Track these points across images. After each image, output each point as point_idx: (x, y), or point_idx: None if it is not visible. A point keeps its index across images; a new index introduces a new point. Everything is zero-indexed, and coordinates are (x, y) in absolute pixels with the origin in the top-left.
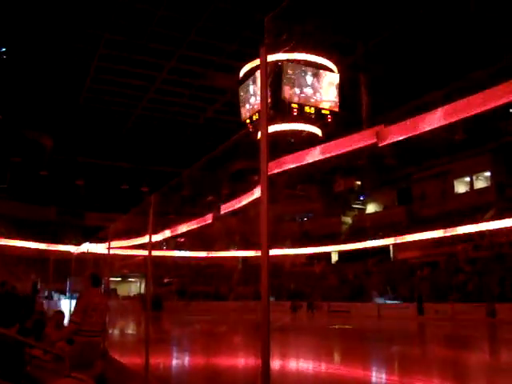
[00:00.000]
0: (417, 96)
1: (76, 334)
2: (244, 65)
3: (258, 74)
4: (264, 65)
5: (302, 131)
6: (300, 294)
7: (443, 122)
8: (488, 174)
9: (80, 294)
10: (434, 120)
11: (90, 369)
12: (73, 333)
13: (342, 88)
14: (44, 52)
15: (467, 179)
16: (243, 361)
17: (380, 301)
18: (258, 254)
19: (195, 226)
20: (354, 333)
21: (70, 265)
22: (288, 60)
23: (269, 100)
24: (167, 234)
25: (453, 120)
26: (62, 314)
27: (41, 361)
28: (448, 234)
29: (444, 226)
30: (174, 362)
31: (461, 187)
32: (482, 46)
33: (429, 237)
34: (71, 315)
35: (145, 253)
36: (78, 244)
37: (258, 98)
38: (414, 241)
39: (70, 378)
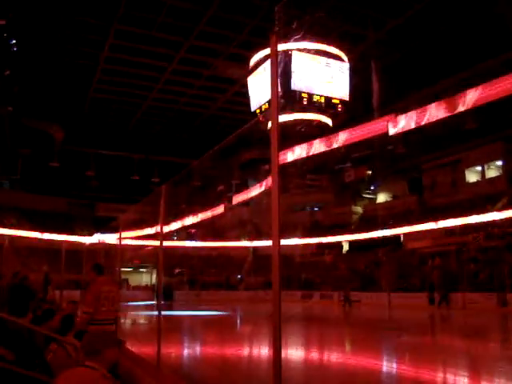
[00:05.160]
0: (428, 84)
1: (89, 324)
2: (254, 54)
3: (267, 63)
4: (274, 53)
5: (312, 121)
6: (310, 283)
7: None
8: (500, 162)
9: (88, 284)
10: (445, 109)
11: (104, 357)
12: (85, 323)
13: (353, 77)
14: (54, 43)
15: (478, 168)
16: (255, 351)
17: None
18: (270, 243)
19: (207, 216)
20: (364, 322)
21: (82, 255)
22: (298, 49)
23: (279, 90)
24: (178, 224)
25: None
26: (75, 304)
27: (56, 349)
28: (459, 224)
29: (455, 216)
30: (186, 351)
31: (472, 176)
32: (491, 36)
33: (440, 226)
34: (82, 305)
35: (156, 243)
36: (90, 235)
37: (268, 87)
38: (425, 230)
39: (84, 366)
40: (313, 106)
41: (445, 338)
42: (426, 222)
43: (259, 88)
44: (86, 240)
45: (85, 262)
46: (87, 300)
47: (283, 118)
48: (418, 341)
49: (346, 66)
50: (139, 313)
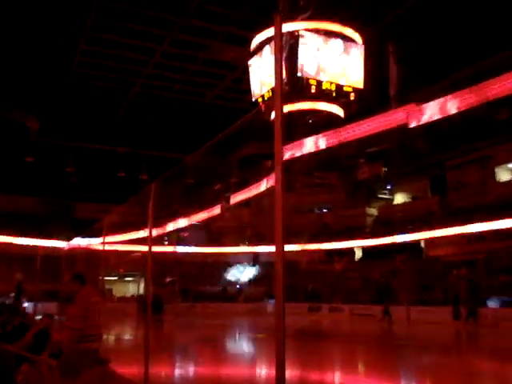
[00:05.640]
0: (454, 71)
1: (75, 342)
2: (255, 35)
3: (271, 45)
4: (278, 35)
5: (321, 111)
6: (318, 295)
7: (484, 100)
8: None
9: (72, 296)
10: (474, 97)
11: (84, 379)
12: (75, 342)
13: (368, 62)
14: (28, 21)
15: (511, 165)
16: (256, 372)
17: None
18: (272, 249)
19: (202, 218)
20: (378, 339)
21: (60, 262)
22: (305, 29)
23: (284, 76)
24: (170, 227)
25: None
26: (51, 318)
27: (28, 370)
28: (488, 229)
29: (484, 219)
30: (177, 372)
31: (503, 175)
32: None
33: (466, 231)
34: (68, 321)
35: (144, 248)
36: (69, 239)
37: (272, 73)
38: (449, 236)
39: None
40: (322, 94)
41: (471, 360)
42: (450, 226)
43: (261, 74)
44: (65, 245)
45: (63, 270)
46: (74, 314)
47: (288, 107)
48: (441, 362)
49: (360, 49)
50: (124, 327)
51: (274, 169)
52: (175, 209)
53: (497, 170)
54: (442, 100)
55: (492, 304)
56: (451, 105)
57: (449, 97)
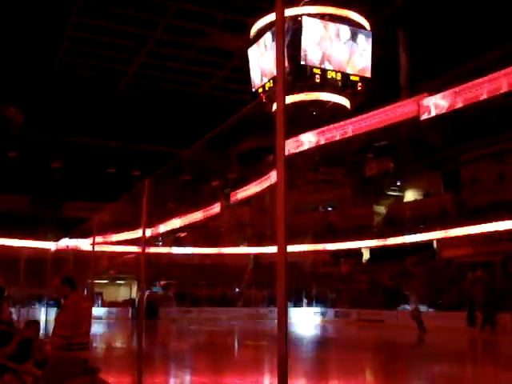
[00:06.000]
0: (469, 58)
1: (62, 349)
2: (256, 21)
3: (272, 32)
4: (280, 21)
5: (326, 102)
6: (323, 298)
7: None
8: None
9: (63, 301)
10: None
11: None
12: (60, 350)
13: (376, 49)
14: (10, 6)
15: None
16: (257, 381)
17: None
18: (274, 250)
19: (200, 217)
20: (389, 347)
21: (47, 265)
22: (309, 14)
23: (286, 64)
24: (165, 226)
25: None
26: (36, 324)
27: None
28: (506, 228)
29: (501, 218)
30: (173, 381)
31: None
32: None
33: (482, 231)
34: (56, 328)
35: (137, 249)
36: (56, 240)
37: (273, 61)
38: (464, 236)
39: None
40: (327, 84)
41: (488, 370)
42: (465, 225)
43: (262, 62)
44: (52, 246)
45: (49, 274)
46: (64, 321)
47: (291, 98)
48: (455, 372)
49: (368, 35)
50: (116, 334)
51: (276, 164)
52: (170, 207)
53: None
54: (456, 90)
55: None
56: (466, 95)
57: (464, 86)
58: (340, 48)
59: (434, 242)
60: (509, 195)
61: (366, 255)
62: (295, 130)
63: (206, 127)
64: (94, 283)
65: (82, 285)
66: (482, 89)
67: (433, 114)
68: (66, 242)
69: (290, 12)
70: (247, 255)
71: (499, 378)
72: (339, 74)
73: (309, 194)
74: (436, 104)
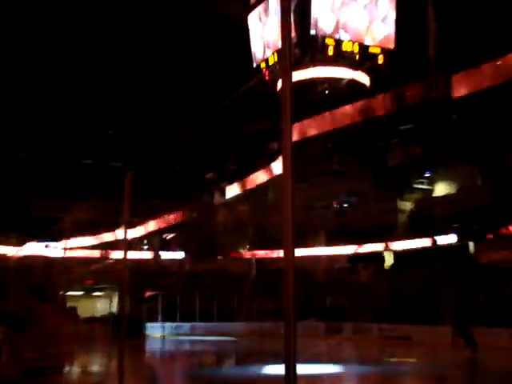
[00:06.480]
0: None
1: (28, 375)
2: None
3: None
4: None
5: (340, 79)
6: (339, 311)
7: None
8: None
9: (29, 317)
10: None
11: None
12: (26, 375)
13: (401, 16)
14: None
15: None
16: None
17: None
18: (280, 254)
19: (191, 216)
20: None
21: (8, 274)
22: None
23: (293, 34)
24: (150, 226)
25: None
26: None
27: None
28: None
29: None
30: None
31: None
32: None
33: None
34: (20, 349)
35: (118, 254)
36: (20, 244)
37: (277, 31)
38: (506, 237)
39: None
40: (342, 57)
41: None
42: (507, 224)
43: (265, 32)
44: (14, 251)
45: (12, 284)
46: (29, 340)
47: (299, 74)
48: None
49: None
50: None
51: (282, 152)
52: (157, 204)
53: None
54: (497, 63)
55: None
56: (503, 71)
57: (501, 61)
58: (357, 14)
59: (470, 245)
60: None
61: (389, 260)
62: (304, 112)
63: (198, 109)
64: (66, 295)
65: (54, 297)
66: None
67: (469, 91)
68: (32, 247)
69: None
70: (248, 260)
71: None
72: (356, 45)
73: (320, 188)
74: (473, 80)
